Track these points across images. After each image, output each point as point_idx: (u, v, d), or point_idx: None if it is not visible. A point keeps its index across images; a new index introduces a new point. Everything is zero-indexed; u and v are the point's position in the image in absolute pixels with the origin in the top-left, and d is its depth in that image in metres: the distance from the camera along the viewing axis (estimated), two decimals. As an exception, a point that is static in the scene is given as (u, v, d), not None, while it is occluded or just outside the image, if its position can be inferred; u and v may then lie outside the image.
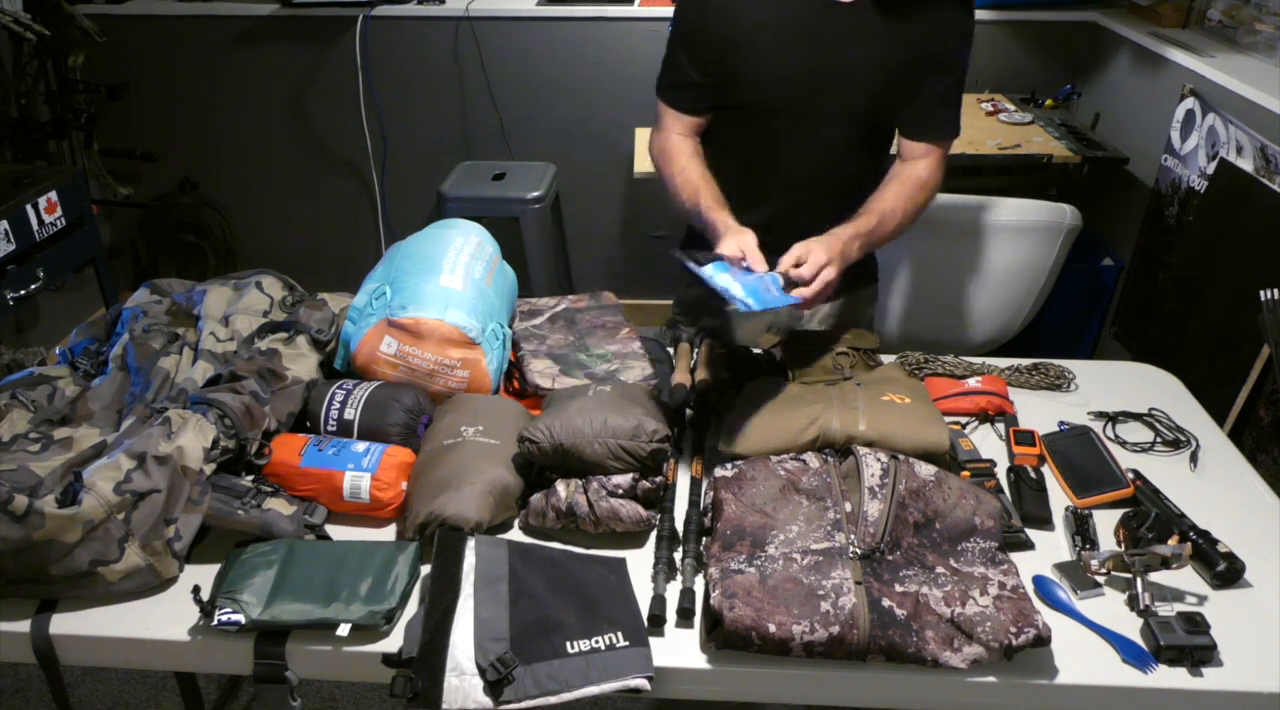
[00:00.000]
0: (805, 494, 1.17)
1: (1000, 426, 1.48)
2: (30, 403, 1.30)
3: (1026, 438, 1.40)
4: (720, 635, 1.02)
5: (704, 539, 1.19)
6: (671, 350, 1.63)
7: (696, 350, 1.61)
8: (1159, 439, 1.44)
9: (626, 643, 1.04)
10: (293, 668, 1.08)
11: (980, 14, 3.10)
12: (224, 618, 1.05)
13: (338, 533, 1.23)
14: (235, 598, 1.06)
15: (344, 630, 1.05)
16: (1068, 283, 2.61)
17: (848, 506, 1.14)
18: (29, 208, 2.41)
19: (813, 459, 1.22)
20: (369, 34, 3.20)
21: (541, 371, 1.47)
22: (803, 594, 1.04)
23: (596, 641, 1.04)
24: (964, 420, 1.49)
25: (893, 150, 1.69)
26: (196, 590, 1.08)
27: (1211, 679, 1.04)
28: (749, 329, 1.59)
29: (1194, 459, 1.40)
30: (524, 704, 0.99)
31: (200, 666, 1.47)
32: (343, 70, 3.28)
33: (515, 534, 1.25)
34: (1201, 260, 2.40)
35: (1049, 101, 3.11)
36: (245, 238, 3.67)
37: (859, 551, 1.09)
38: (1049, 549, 1.22)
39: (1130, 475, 1.33)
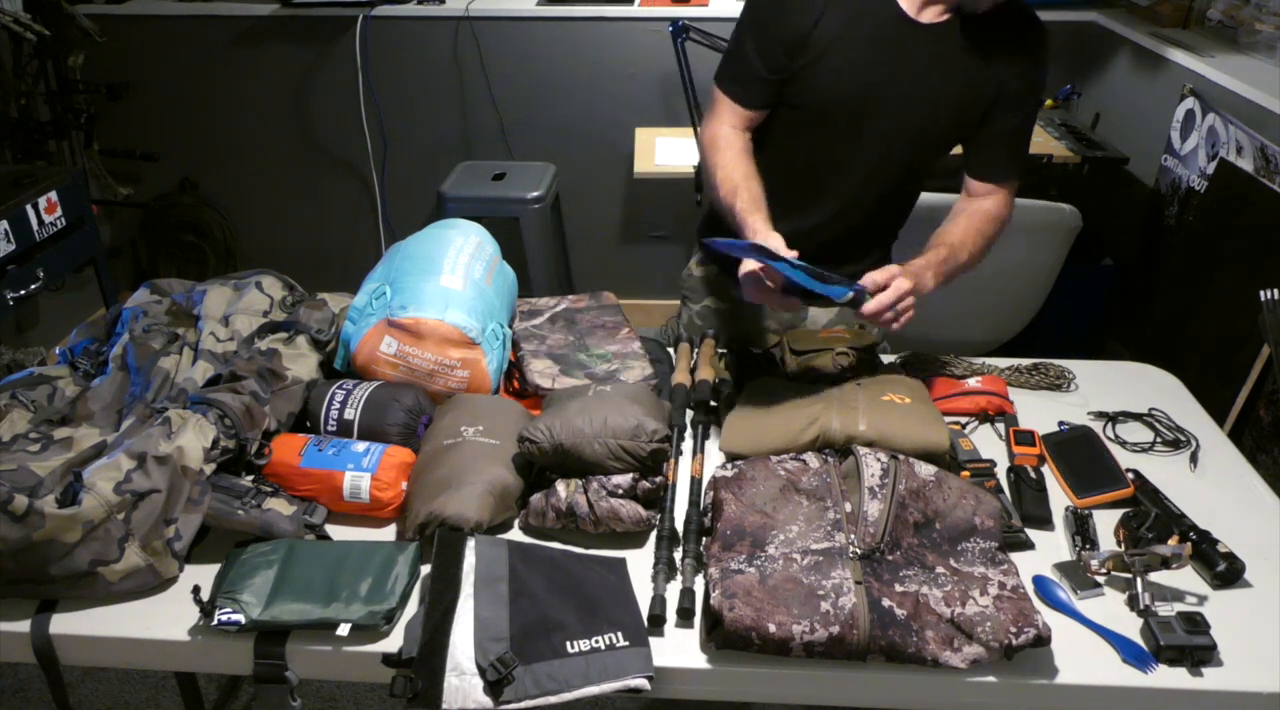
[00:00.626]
0: (805, 494, 1.17)
1: (1000, 426, 1.48)
2: (30, 403, 1.30)
3: (1026, 438, 1.40)
4: (720, 635, 1.02)
5: (704, 539, 1.19)
6: (671, 350, 1.63)
7: (696, 350, 1.61)
8: (1159, 439, 1.44)
9: (626, 643, 1.04)
10: (293, 668, 1.08)
11: (980, 14, 3.11)
12: (224, 618, 1.05)
13: (338, 533, 1.23)
14: (235, 598, 1.06)
15: (344, 630, 1.05)
16: (1068, 283, 2.61)
17: (848, 506, 1.14)
18: (29, 208, 2.41)
19: (813, 459, 1.22)
20: (369, 34, 3.20)
21: (541, 371, 1.47)
22: (803, 594, 1.04)
23: (596, 641, 1.04)
24: (964, 420, 1.49)
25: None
26: (196, 590, 1.08)
27: (1211, 679, 1.04)
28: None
29: (1194, 459, 1.40)
30: (524, 704, 0.99)
31: (200, 666, 1.46)
32: (343, 70, 3.28)
33: (515, 534, 1.25)
34: (1201, 260, 2.40)
35: (1049, 102, 3.11)
36: (245, 238, 3.67)
37: (859, 551, 1.09)
38: (1049, 549, 1.22)
39: (1130, 475, 1.32)
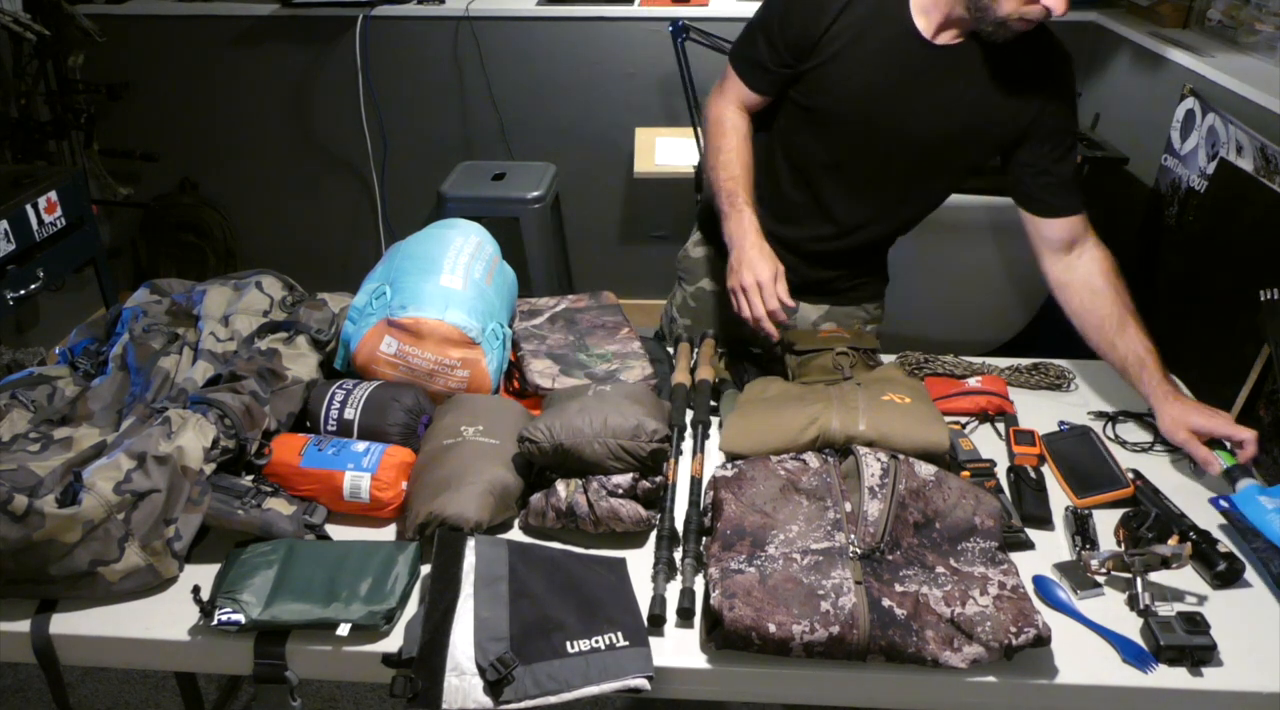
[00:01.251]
0: (805, 494, 1.17)
1: (1000, 426, 1.48)
2: (30, 403, 1.30)
3: (1026, 438, 1.40)
4: (720, 635, 1.02)
5: (704, 539, 1.19)
6: (671, 350, 1.63)
7: (696, 350, 1.61)
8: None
9: (626, 643, 1.04)
10: (293, 668, 1.08)
11: (980, 14, 3.11)
12: (224, 618, 1.05)
13: (338, 533, 1.23)
14: (235, 598, 1.06)
15: (344, 630, 1.05)
16: (1068, 283, 2.61)
17: (848, 506, 1.14)
18: (29, 208, 2.41)
19: (813, 459, 1.22)
20: (369, 34, 3.20)
21: (541, 371, 1.47)
22: (803, 594, 1.04)
23: (596, 641, 1.04)
24: (964, 420, 1.49)
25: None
26: (196, 590, 1.08)
27: (1211, 679, 1.04)
28: None
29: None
30: (524, 704, 0.98)
31: (200, 666, 1.47)
32: (343, 70, 3.28)
33: (515, 534, 1.25)
34: (1201, 260, 2.40)
35: (1049, 101, 3.10)
36: (245, 238, 3.67)
37: (859, 551, 1.09)
38: (1049, 549, 1.22)
39: (1130, 475, 1.32)
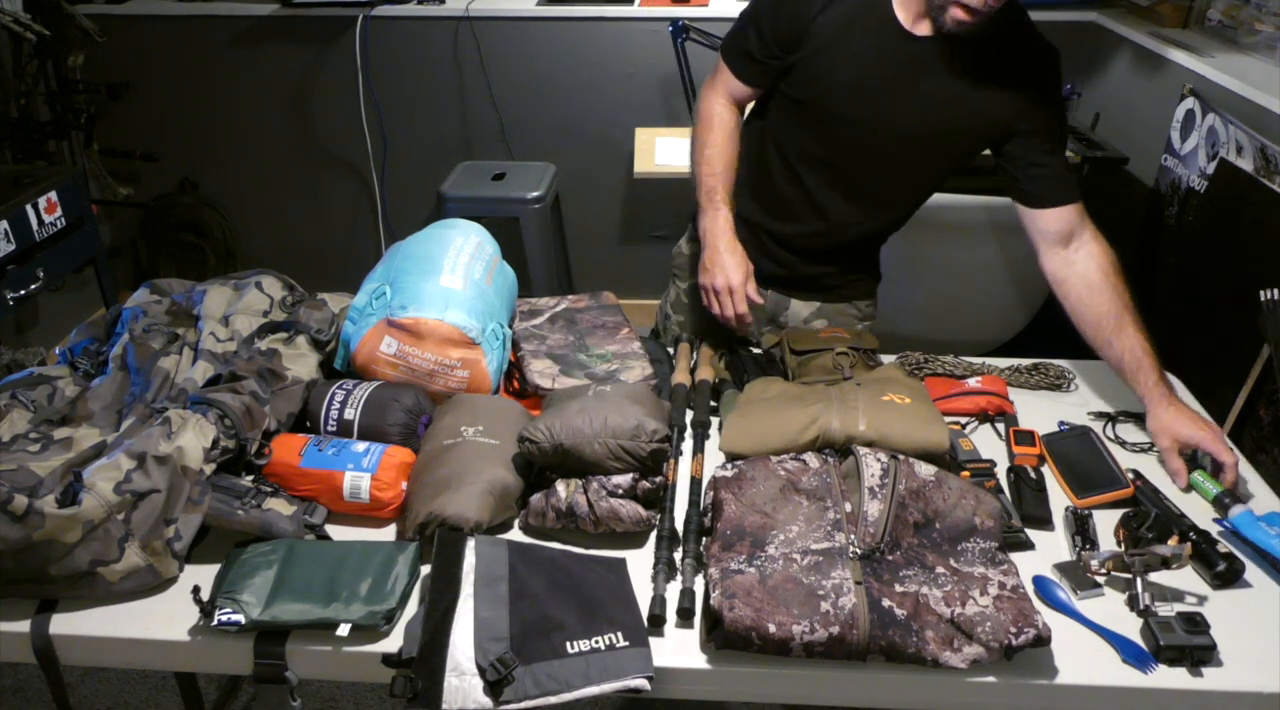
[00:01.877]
0: (805, 494, 1.17)
1: (1000, 426, 1.48)
2: (30, 403, 1.30)
3: (1026, 438, 1.40)
4: (720, 635, 1.02)
5: (704, 539, 1.19)
6: (671, 350, 1.63)
7: (696, 350, 1.61)
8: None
9: (626, 643, 1.04)
10: (293, 668, 1.08)
11: (980, 14, 3.10)
12: (224, 618, 1.05)
13: (338, 533, 1.23)
14: (235, 598, 1.06)
15: (344, 630, 1.05)
16: (1068, 283, 2.61)
17: (848, 506, 1.14)
18: (29, 208, 2.41)
19: (813, 459, 1.22)
20: (369, 34, 3.20)
21: (541, 371, 1.47)
22: (803, 594, 1.04)
23: (596, 641, 1.04)
24: (964, 420, 1.49)
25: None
26: (196, 590, 1.08)
27: (1211, 679, 1.04)
28: None
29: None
30: (524, 704, 0.98)
31: (200, 666, 1.47)
32: (343, 70, 3.28)
33: (515, 534, 1.25)
34: (1201, 260, 2.40)
35: (1049, 101, 3.10)
36: (245, 238, 3.67)
37: (859, 551, 1.09)
38: (1049, 549, 1.22)
39: (1130, 475, 1.32)
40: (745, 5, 1.60)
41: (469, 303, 1.43)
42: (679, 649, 1.07)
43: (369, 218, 3.60)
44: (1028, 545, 1.23)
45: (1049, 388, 1.58)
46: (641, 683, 1.01)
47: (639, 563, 1.18)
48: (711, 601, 1.04)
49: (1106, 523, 1.25)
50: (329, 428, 1.34)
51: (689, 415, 1.42)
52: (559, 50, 3.25)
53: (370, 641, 1.07)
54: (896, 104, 1.49)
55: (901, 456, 1.19)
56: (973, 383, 1.53)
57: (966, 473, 1.32)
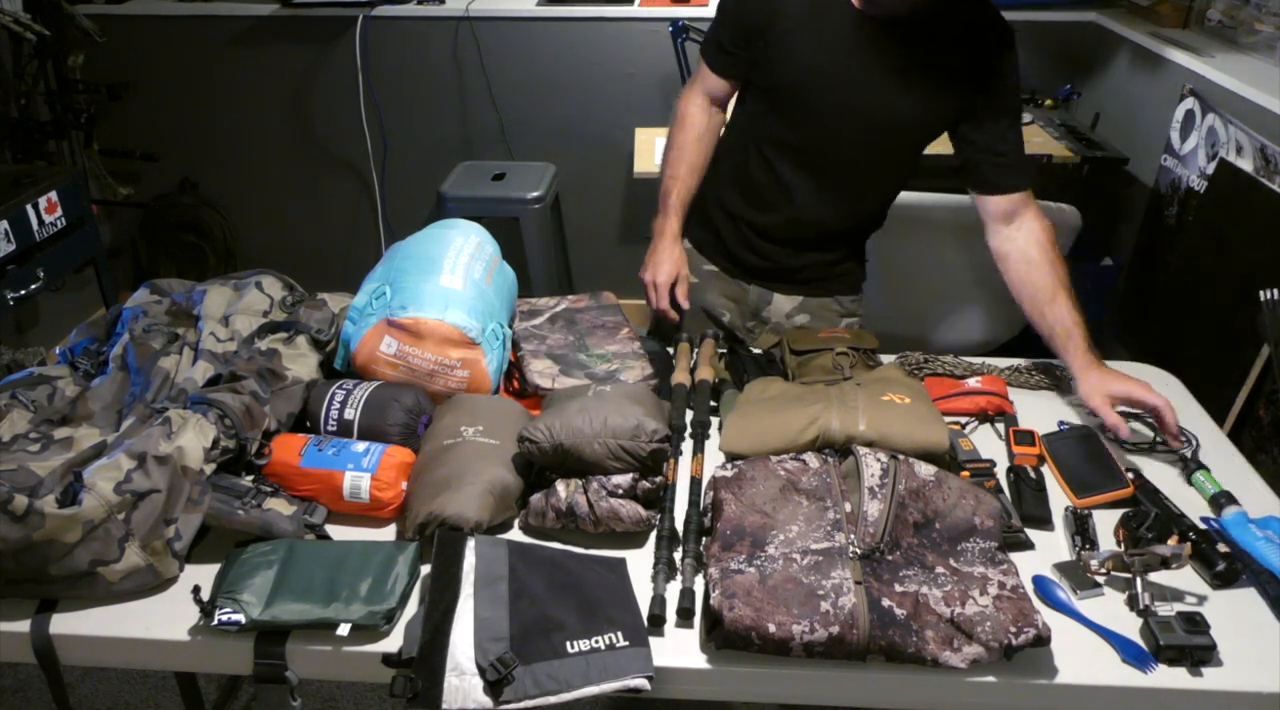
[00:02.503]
0: (805, 494, 1.17)
1: (1000, 426, 1.48)
2: (30, 403, 1.30)
3: (1026, 438, 1.40)
4: (720, 635, 1.02)
5: (704, 539, 1.19)
6: (671, 350, 1.63)
7: (696, 350, 1.61)
8: (1159, 439, 1.44)
9: (626, 643, 1.04)
10: (293, 668, 1.08)
11: (980, 14, 3.10)
12: (224, 618, 1.05)
13: (338, 533, 1.23)
14: (235, 598, 1.06)
15: (344, 630, 1.05)
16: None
17: (847, 506, 1.14)
18: (29, 208, 2.41)
19: (812, 459, 1.22)
20: (369, 34, 3.20)
21: (541, 371, 1.47)
22: (802, 594, 1.04)
23: (596, 641, 1.04)
24: (964, 420, 1.49)
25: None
26: (196, 590, 1.08)
27: (1211, 679, 1.04)
28: None
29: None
30: (524, 704, 0.98)
31: (200, 666, 1.47)
32: (343, 70, 3.28)
33: (515, 534, 1.25)
34: (1201, 260, 2.40)
35: (1049, 101, 3.10)
36: (245, 238, 3.67)
37: (859, 551, 1.09)
38: (1049, 549, 1.22)
39: (1130, 475, 1.32)
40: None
41: (469, 303, 1.43)
42: (679, 649, 1.07)
43: (369, 218, 3.60)
44: (1028, 545, 1.23)
45: (1049, 388, 1.58)
46: (641, 683, 1.01)
47: (639, 563, 1.18)
48: (711, 601, 1.04)
49: (1106, 523, 1.25)
50: (329, 428, 1.34)
51: (689, 415, 1.42)
52: (559, 50, 3.25)
53: (370, 641, 1.07)
54: (855, 86, 1.52)
55: (901, 456, 1.19)
56: (973, 383, 1.53)
57: (966, 473, 1.32)
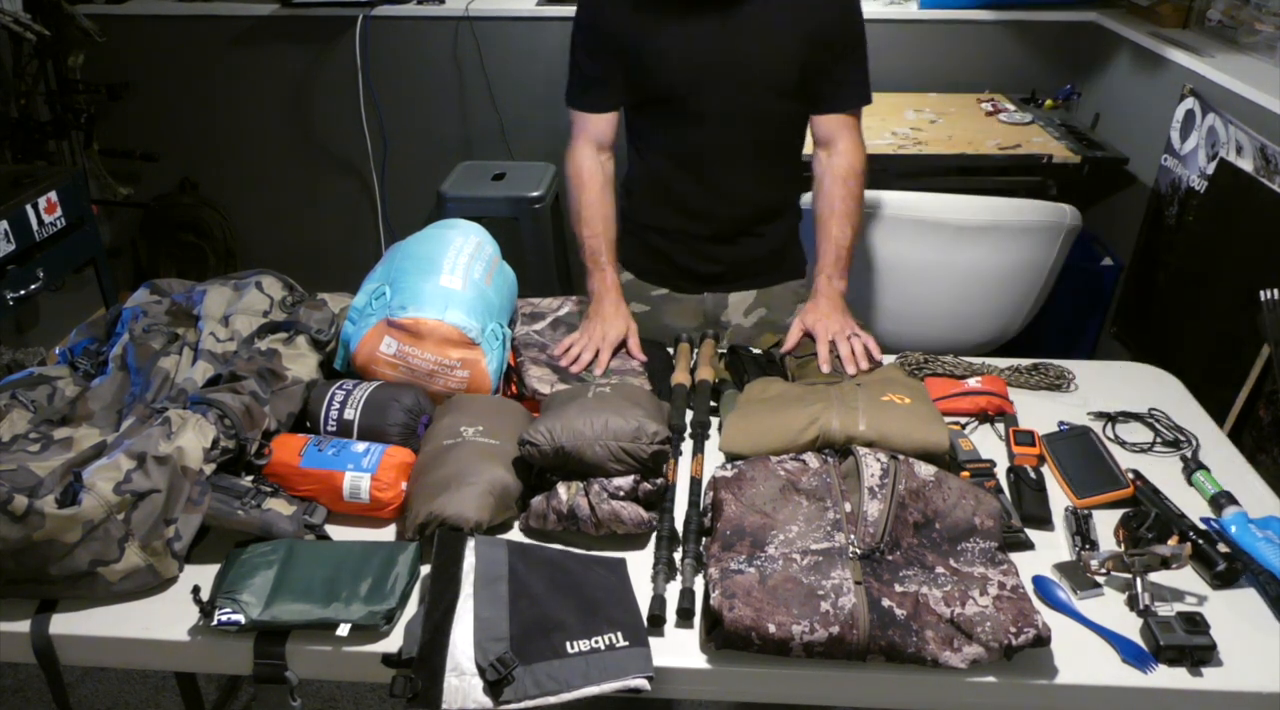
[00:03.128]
0: (805, 494, 1.17)
1: (1000, 426, 1.48)
2: (30, 403, 1.30)
3: (1026, 438, 1.40)
4: (720, 635, 1.02)
5: (704, 539, 1.19)
6: (671, 350, 1.63)
7: (696, 350, 1.61)
8: (1159, 439, 1.44)
9: (626, 643, 1.04)
10: (293, 668, 1.08)
11: (980, 14, 3.10)
12: (224, 618, 1.05)
13: (338, 533, 1.23)
14: (235, 598, 1.06)
15: (344, 630, 1.05)
16: (1068, 283, 2.61)
17: (847, 506, 1.14)
18: (29, 208, 2.41)
19: (812, 459, 1.22)
20: (369, 34, 3.20)
21: (540, 378, 1.47)
22: (802, 594, 1.04)
23: (596, 641, 1.04)
24: (964, 420, 1.49)
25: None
26: (196, 590, 1.08)
27: (1211, 679, 1.04)
28: None
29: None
30: (524, 704, 0.99)
31: (200, 666, 1.47)
32: (343, 70, 3.28)
33: (515, 534, 1.25)
34: (1201, 260, 2.40)
35: (1049, 102, 3.10)
36: (245, 238, 3.67)
37: (859, 551, 1.09)
38: (1049, 549, 1.22)
39: (1130, 475, 1.33)
40: (569, 54, 1.67)
41: (469, 303, 1.43)
42: (679, 649, 1.07)
43: (369, 218, 3.60)
44: (1028, 545, 1.23)
45: (1049, 388, 1.58)
46: (641, 683, 1.01)
47: (639, 563, 1.18)
48: (711, 601, 1.04)
49: (1106, 523, 1.25)
50: (329, 428, 1.34)
51: (689, 415, 1.42)
52: (559, 50, 3.23)
53: (370, 641, 1.07)
54: (725, 58, 1.56)
55: (901, 456, 1.19)
56: (973, 383, 1.53)
57: (966, 473, 1.32)
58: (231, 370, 1.30)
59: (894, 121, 2.90)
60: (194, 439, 1.16)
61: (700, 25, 1.55)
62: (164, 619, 1.10)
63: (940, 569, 1.10)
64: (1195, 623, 1.07)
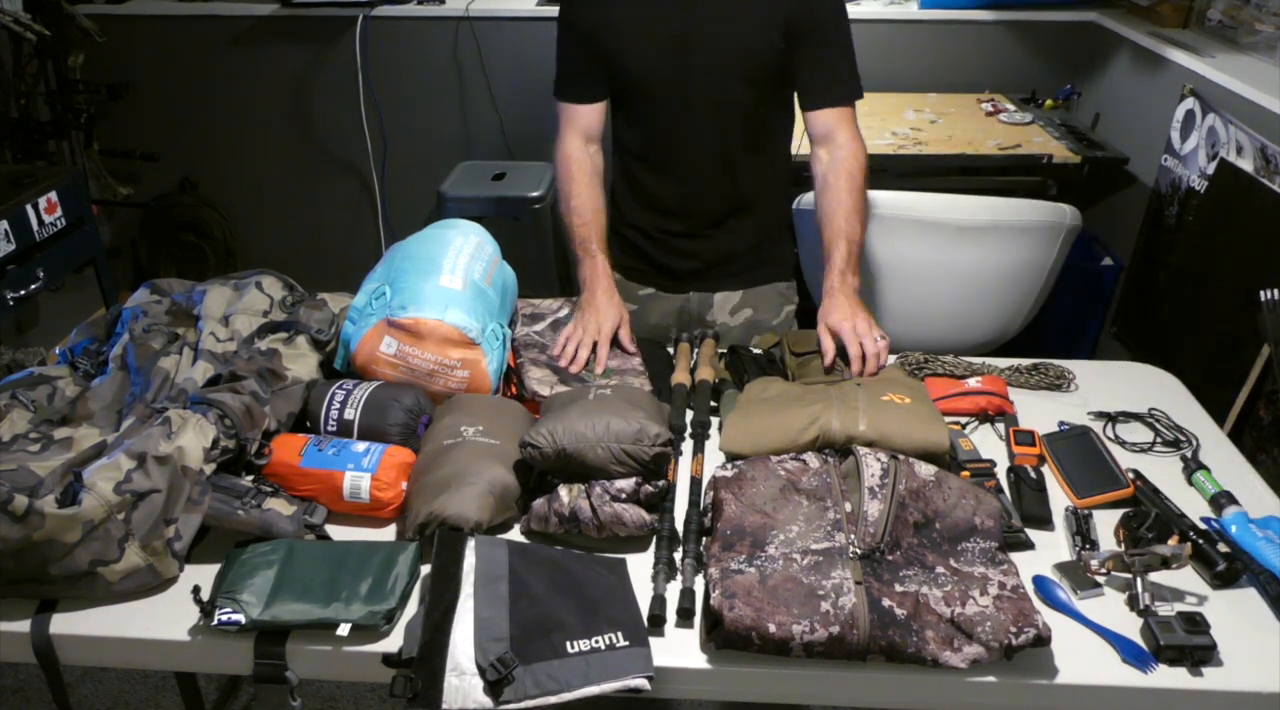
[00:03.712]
0: (805, 494, 1.17)
1: (1000, 426, 1.48)
2: (30, 403, 1.30)
3: (1026, 438, 1.40)
4: (720, 635, 1.02)
5: (704, 539, 1.19)
6: (671, 350, 1.63)
7: (696, 350, 1.61)
8: (1159, 439, 1.44)
9: (626, 643, 1.04)
10: (293, 668, 1.08)
11: (980, 14, 3.10)
12: (224, 618, 1.05)
13: (338, 533, 1.23)
14: (235, 598, 1.06)
15: (344, 630, 1.05)
16: (1068, 283, 2.61)
17: (848, 506, 1.14)
18: (29, 208, 2.41)
19: (813, 459, 1.22)
20: (369, 34, 3.20)
21: (540, 379, 1.47)
22: (803, 594, 1.04)
23: (596, 641, 1.04)
24: (964, 420, 1.49)
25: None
26: (196, 590, 1.08)
27: (1211, 679, 1.04)
28: None
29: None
30: (524, 704, 0.99)
31: (200, 666, 1.47)
32: (343, 70, 3.28)
33: (515, 535, 1.24)
34: (1201, 260, 2.40)
35: (1049, 102, 3.11)
36: (245, 238, 3.67)
37: (859, 551, 1.09)
38: (1049, 549, 1.22)
39: (1130, 475, 1.33)
40: (556, 48, 1.70)
41: (469, 303, 1.43)
42: (679, 649, 1.07)
43: (369, 218, 3.60)
44: (1028, 545, 1.23)
45: (1049, 388, 1.58)
46: (641, 683, 1.01)
47: (639, 563, 1.18)
48: (711, 601, 1.04)
49: (1106, 523, 1.25)
50: (329, 428, 1.34)
51: (689, 415, 1.42)
52: (559, 50, 3.25)
53: (370, 641, 1.07)
54: (703, 43, 1.56)
55: (901, 456, 1.19)
56: (973, 383, 1.53)
57: (966, 473, 1.32)
58: (231, 370, 1.30)
59: (894, 122, 2.90)
60: (194, 439, 1.16)
61: (659, 7, 1.56)
62: (164, 619, 1.10)
63: (940, 569, 1.10)
64: (1195, 623, 1.07)
